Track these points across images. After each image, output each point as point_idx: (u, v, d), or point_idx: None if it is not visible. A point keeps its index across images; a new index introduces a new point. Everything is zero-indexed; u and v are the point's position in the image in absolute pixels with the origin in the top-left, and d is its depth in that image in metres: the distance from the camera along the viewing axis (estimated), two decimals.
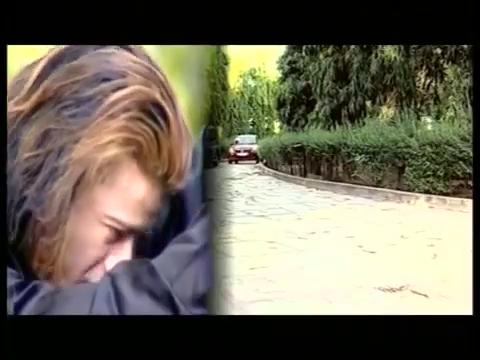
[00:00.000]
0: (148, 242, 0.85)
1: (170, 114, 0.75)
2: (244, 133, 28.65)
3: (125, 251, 0.78)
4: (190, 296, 0.73)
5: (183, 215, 0.86)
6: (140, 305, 0.72)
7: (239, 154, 21.67)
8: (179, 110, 0.77)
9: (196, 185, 0.86)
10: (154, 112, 0.73)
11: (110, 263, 0.77)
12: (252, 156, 20.63)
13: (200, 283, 0.74)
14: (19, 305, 0.70)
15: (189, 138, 0.78)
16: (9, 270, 0.73)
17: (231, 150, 21.90)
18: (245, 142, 22.88)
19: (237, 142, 23.18)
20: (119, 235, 0.77)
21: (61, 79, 0.72)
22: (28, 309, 0.70)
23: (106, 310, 0.71)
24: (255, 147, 20.64)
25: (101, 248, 0.76)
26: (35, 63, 0.75)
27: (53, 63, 0.74)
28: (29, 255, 0.74)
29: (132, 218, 0.76)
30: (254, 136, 25.45)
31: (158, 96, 0.74)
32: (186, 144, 0.77)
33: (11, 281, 0.71)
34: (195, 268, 0.74)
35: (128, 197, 0.75)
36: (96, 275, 0.76)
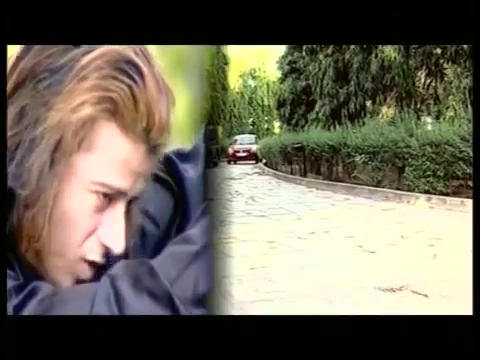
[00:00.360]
0: (150, 241, 0.85)
1: (145, 69, 0.74)
2: (244, 133, 28.31)
3: (117, 218, 0.76)
4: (190, 297, 0.73)
5: (185, 214, 0.85)
6: (140, 306, 0.71)
7: (238, 154, 21.25)
8: (155, 65, 0.76)
9: (198, 183, 0.86)
10: (128, 69, 0.73)
11: (103, 234, 0.75)
12: (252, 156, 20.31)
13: (200, 284, 0.73)
14: (18, 307, 0.70)
15: (169, 92, 0.77)
16: (7, 272, 0.73)
17: (230, 150, 21.46)
18: (244, 142, 22.39)
19: (236, 141, 22.69)
20: (109, 201, 0.75)
21: (35, 56, 0.73)
22: (27, 311, 0.70)
23: (106, 311, 0.70)
24: (254, 147, 20.35)
25: (91, 218, 0.75)
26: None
27: (28, 47, 0.75)
28: (18, 236, 0.73)
29: (119, 180, 0.75)
30: (253, 136, 24.92)
31: (132, 54, 0.74)
32: (165, 97, 0.76)
33: (9, 283, 0.71)
34: (195, 269, 0.74)
35: (111, 158, 0.74)
36: (91, 249, 0.75)
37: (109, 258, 0.77)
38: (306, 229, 4.32)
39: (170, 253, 0.75)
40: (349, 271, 2.96)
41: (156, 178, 0.87)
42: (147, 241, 0.84)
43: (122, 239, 0.76)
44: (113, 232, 0.76)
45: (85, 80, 0.72)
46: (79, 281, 0.76)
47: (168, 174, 0.88)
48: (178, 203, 0.87)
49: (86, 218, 0.74)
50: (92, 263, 0.76)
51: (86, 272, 0.77)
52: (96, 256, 0.76)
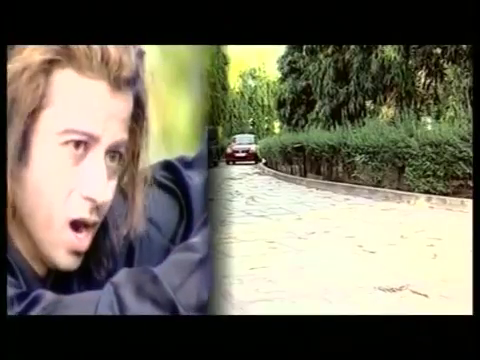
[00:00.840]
0: (155, 248, 0.84)
1: None
2: (244, 133, 27.73)
3: (96, 166, 0.74)
4: (193, 304, 0.72)
5: (190, 221, 0.85)
6: (143, 313, 0.71)
7: (237, 155, 20.21)
8: None
9: (202, 190, 0.86)
10: None
11: (84, 186, 0.74)
12: (251, 156, 19.57)
13: (203, 292, 0.73)
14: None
15: None
16: (8, 278, 0.72)
17: (228, 150, 20.53)
18: (243, 142, 21.29)
19: (234, 141, 21.65)
20: (84, 150, 0.74)
21: None
22: None
23: None
24: (254, 147, 19.73)
25: (68, 173, 0.73)
26: None
27: None
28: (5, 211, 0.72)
29: (86, 123, 0.73)
30: (252, 135, 23.76)
31: None
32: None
33: (11, 291, 0.70)
34: (198, 277, 0.74)
35: (72, 103, 0.73)
36: (75, 207, 0.73)
37: (98, 214, 0.75)
38: (306, 229, 4.32)
39: (173, 261, 0.75)
40: (349, 271, 2.96)
41: (161, 185, 0.87)
42: (152, 248, 0.84)
43: (105, 187, 0.74)
44: (94, 182, 0.74)
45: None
46: (74, 252, 0.75)
47: (173, 182, 0.88)
48: (183, 210, 0.87)
49: (63, 174, 0.73)
50: (81, 223, 0.75)
51: (78, 238, 0.75)
52: (82, 212, 0.74)
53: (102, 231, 0.81)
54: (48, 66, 0.72)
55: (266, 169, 14.06)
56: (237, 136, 23.28)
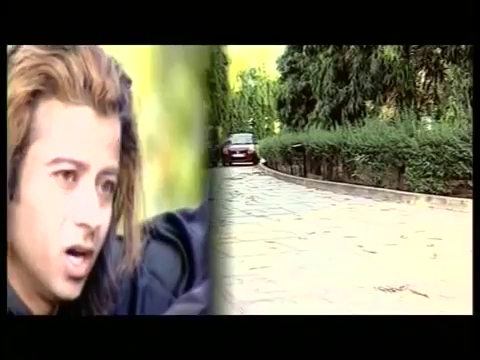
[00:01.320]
0: (157, 301, 0.84)
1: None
2: (244, 132, 26.71)
3: (86, 192, 0.74)
4: None
5: (192, 274, 0.86)
6: None
7: (234, 155, 18.76)
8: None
9: (204, 242, 0.86)
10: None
11: (76, 213, 0.74)
12: (249, 157, 18.42)
13: None
14: None
15: (100, 51, 0.76)
16: None
17: (225, 151, 18.89)
18: (241, 141, 19.56)
19: (229, 142, 19.75)
20: (74, 179, 0.74)
21: None
22: None
23: None
24: (252, 147, 18.69)
25: (60, 202, 0.73)
26: None
27: None
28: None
29: (73, 152, 0.73)
30: (250, 135, 21.69)
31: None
32: (98, 55, 0.75)
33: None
34: None
35: (58, 133, 0.73)
36: (68, 235, 0.73)
37: (93, 240, 0.75)
38: (306, 229, 4.32)
39: (176, 312, 0.76)
40: (349, 271, 2.96)
41: (163, 239, 0.88)
42: (154, 300, 0.84)
43: (98, 212, 0.74)
44: (85, 208, 0.74)
45: (16, 67, 0.73)
46: (72, 278, 0.75)
47: (175, 235, 0.89)
48: (185, 264, 0.87)
49: (54, 204, 0.73)
50: (76, 250, 0.75)
51: (74, 264, 0.75)
52: (77, 239, 0.74)
53: (100, 266, 0.80)
54: (33, 99, 0.72)
55: (266, 169, 14.06)
56: (233, 135, 21.55)
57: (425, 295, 2.42)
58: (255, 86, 34.67)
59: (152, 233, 0.88)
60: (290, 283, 2.71)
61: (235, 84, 33.69)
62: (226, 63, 22.29)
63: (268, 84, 33.78)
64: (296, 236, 4.05)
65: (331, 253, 3.44)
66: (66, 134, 0.73)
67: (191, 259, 0.86)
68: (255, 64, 33.87)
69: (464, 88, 7.32)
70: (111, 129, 0.76)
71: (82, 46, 0.74)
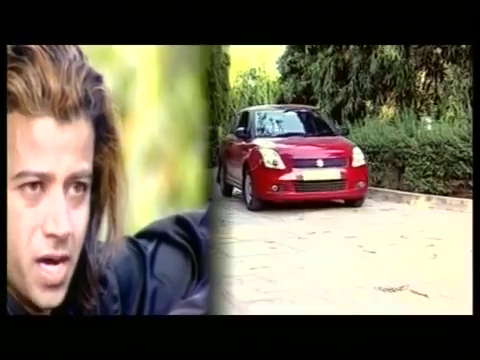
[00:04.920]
0: (167, 303, 0.84)
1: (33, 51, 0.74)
2: None
3: (54, 202, 0.74)
4: None
5: (201, 277, 0.86)
6: None
7: None
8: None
9: (207, 247, 0.86)
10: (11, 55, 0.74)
11: (45, 223, 0.74)
12: None
13: None
14: None
15: (62, 55, 0.75)
16: None
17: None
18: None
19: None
20: (41, 190, 0.74)
21: None
22: None
23: None
24: None
25: (27, 214, 0.74)
26: None
27: None
28: None
29: (36, 163, 0.73)
30: None
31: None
32: (59, 60, 0.75)
33: None
34: None
35: (19, 147, 0.73)
36: (38, 245, 0.74)
37: (66, 247, 0.75)
38: (306, 229, 4.32)
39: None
40: (349, 271, 2.96)
41: (174, 243, 0.88)
42: (163, 305, 0.84)
43: (64, 220, 0.74)
44: (52, 218, 0.74)
45: None
46: (49, 287, 0.75)
47: (185, 239, 0.89)
48: (195, 268, 0.87)
49: (22, 217, 0.74)
50: (49, 259, 0.75)
51: (50, 272, 0.75)
52: (47, 249, 0.75)
53: (81, 261, 0.80)
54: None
55: None
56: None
57: (425, 295, 2.42)
58: (255, 86, 34.71)
59: (162, 236, 0.89)
60: (290, 283, 2.72)
61: (235, 84, 33.70)
62: (227, 63, 22.22)
63: (268, 84, 33.80)
64: (296, 236, 4.05)
65: (331, 253, 3.44)
66: (29, 147, 0.73)
67: (201, 262, 0.86)
68: (255, 64, 33.89)
69: (464, 88, 7.32)
70: (77, 133, 0.76)
71: (40, 54, 0.73)
